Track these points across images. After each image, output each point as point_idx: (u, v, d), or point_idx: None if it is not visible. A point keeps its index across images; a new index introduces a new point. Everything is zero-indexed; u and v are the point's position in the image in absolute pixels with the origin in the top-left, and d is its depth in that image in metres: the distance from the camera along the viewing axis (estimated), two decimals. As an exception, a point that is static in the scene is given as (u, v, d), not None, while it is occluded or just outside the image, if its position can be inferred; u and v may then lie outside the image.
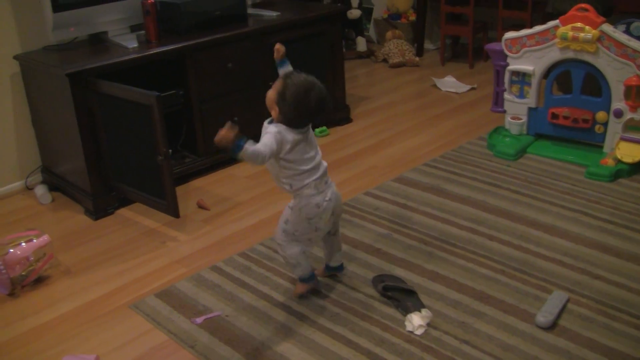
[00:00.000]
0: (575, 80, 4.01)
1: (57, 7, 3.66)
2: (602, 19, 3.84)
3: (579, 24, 3.85)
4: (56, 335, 2.79)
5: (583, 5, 3.89)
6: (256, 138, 2.54)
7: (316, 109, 2.61)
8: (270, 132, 2.59)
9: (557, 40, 3.96)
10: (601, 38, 3.80)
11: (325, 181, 2.73)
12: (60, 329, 2.82)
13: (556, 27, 3.95)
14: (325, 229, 2.80)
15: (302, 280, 2.86)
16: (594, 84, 3.99)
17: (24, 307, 2.99)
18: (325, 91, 2.65)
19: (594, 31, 3.80)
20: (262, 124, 2.68)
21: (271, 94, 2.64)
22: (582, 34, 3.83)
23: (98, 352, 2.63)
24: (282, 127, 2.60)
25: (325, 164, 2.74)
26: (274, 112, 2.63)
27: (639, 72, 3.73)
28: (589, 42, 3.83)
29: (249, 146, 2.44)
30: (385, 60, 6.58)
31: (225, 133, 2.37)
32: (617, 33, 3.79)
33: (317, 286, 2.92)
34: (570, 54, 3.96)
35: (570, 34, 3.87)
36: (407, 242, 3.28)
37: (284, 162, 2.64)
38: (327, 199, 2.71)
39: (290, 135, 2.60)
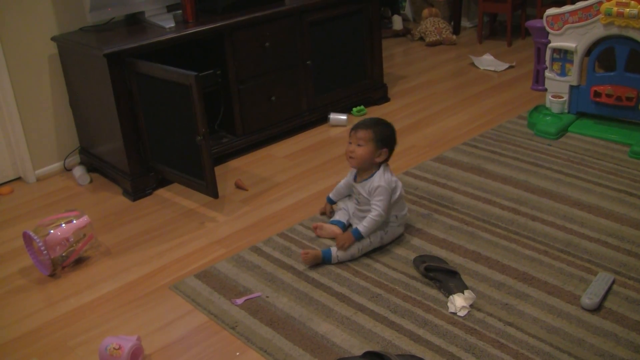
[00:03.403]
0: (620, 57, 3.93)
1: (94, -13, 3.66)
2: (648, -7, 3.75)
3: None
4: (97, 316, 2.80)
5: (628, -20, 3.80)
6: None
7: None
8: (382, 186, 2.99)
9: (600, 16, 3.87)
10: (647, 13, 3.72)
11: None
12: (101, 310, 2.83)
13: (600, 2, 3.86)
14: None
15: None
16: (638, 61, 3.90)
17: (65, 288, 3.00)
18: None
19: None
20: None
21: (365, 149, 3.01)
22: (627, 10, 3.74)
23: (139, 333, 2.63)
24: (388, 175, 3.03)
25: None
26: (380, 158, 3.03)
27: (686, 48, 3.65)
28: (634, 18, 3.74)
29: (365, 229, 2.97)
30: (421, 39, 6.51)
31: (346, 239, 2.97)
32: (663, 8, 3.70)
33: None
34: (614, 30, 3.87)
35: (615, 9, 3.78)
36: (449, 223, 3.24)
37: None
38: None
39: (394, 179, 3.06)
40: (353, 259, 2.99)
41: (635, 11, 3.72)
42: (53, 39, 3.88)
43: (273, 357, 2.45)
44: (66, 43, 3.82)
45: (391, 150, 3.07)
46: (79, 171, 4.02)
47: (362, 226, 2.97)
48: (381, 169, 3.04)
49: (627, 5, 3.75)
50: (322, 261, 2.98)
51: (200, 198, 3.66)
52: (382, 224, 3.03)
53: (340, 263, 2.98)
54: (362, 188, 3.06)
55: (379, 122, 3.09)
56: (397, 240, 3.12)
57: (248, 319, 2.66)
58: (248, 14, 3.98)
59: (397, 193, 3.03)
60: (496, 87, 5.10)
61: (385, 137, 3.02)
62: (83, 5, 3.73)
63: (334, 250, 2.98)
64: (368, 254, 3.02)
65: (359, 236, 2.97)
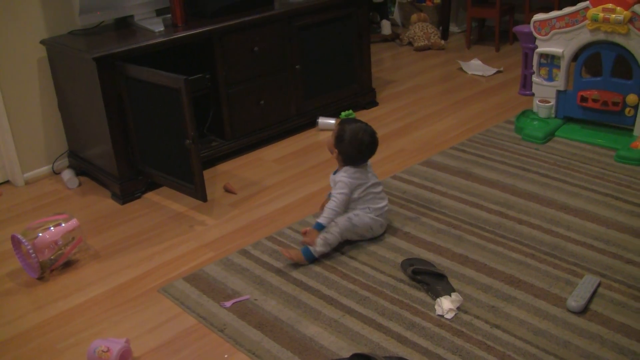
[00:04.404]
0: (606, 62, 3.96)
1: (83, -9, 3.67)
2: (634, -1, 3.79)
3: (610, 5, 3.79)
4: (86, 318, 2.80)
5: (614, -14, 3.83)
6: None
7: (370, 144, 3.11)
8: (343, 180, 3.10)
9: (587, 22, 3.90)
10: (633, 19, 3.75)
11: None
12: (90, 313, 2.84)
13: (586, 8, 3.89)
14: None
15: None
16: (624, 66, 3.93)
17: (54, 291, 3.01)
18: (374, 131, 3.15)
19: (625, 12, 3.74)
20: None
21: (329, 139, 3.16)
22: (613, 16, 3.78)
23: (128, 336, 2.63)
24: (349, 171, 3.12)
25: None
26: (334, 154, 3.14)
27: (671, 53, 3.68)
28: (620, 24, 3.77)
29: (323, 219, 3.04)
30: (410, 44, 6.54)
31: (309, 233, 3.06)
32: (649, 14, 3.74)
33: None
34: (600, 36, 3.90)
35: (601, 15, 3.82)
36: (436, 226, 3.26)
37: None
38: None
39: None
40: (334, 247, 3.07)
41: (620, 17, 3.75)
42: (42, 42, 3.88)
43: (261, 360, 2.47)
44: (55, 46, 3.82)
45: (343, 153, 3.11)
46: (67, 174, 4.02)
47: (321, 217, 3.05)
48: (347, 167, 3.13)
49: (613, 11, 3.78)
50: (308, 259, 3.01)
51: (189, 201, 3.67)
52: (346, 211, 3.14)
53: (327, 255, 3.04)
54: (332, 181, 3.18)
55: (349, 123, 3.15)
56: (385, 243, 3.14)
57: (236, 322, 2.67)
58: (237, 18, 3.99)
59: (362, 189, 3.11)
60: (484, 92, 5.13)
61: (338, 138, 3.10)
62: (72, 8, 3.74)
63: (310, 247, 3.03)
64: (355, 257, 3.04)
65: (320, 227, 3.04)
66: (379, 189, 3.18)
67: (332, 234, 3.04)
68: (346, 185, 3.09)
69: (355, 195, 3.12)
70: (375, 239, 3.17)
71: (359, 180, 3.11)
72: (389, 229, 3.24)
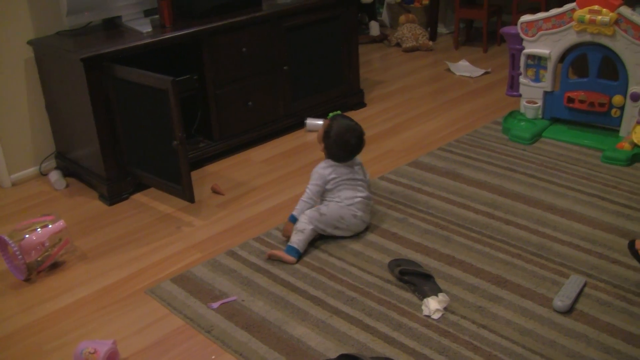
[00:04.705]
0: (592, 63, 3.98)
1: (71, -9, 3.66)
2: (619, 1, 3.81)
3: (596, 7, 3.82)
4: (73, 320, 2.80)
5: (600, -13, 3.85)
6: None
7: (356, 145, 3.18)
8: (315, 171, 3.22)
9: (573, 23, 3.92)
10: (619, 21, 3.77)
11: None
12: (77, 314, 2.83)
13: (573, 10, 3.91)
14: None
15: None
16: (611, 68, 3.96)
17: (41, 293, 3.00)
18: (363, 131, 3.22)
19: (611, 14, 3.76)
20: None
21: (319, 132, 3.25)
22: (599, 17, 3.80)
23: (115, 337, 2.63)
24: (328, 164, 3.22)
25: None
26: (321, 147, 3.23)
27: (657, 55, 3.70)
28: (606, 25, 3.79)
29: (295, 211, 3.18)
30: (398, 45, 6.55)
31: (285, 226, 3.20)
32: (635, 16, 3.75)
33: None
34: (587, 37, 3.93)
35: (588, 16, 3.84)
36: (424, 227, 3.26)
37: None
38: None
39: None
40: (311, 237, 3.13)
41: (606, 19, 3.77)
42: (29, 42, 3.86)
43: (248, 360, 2.47)
44: (43, 47, 3.81)
45: (328, 149, 3.21)
46: (55, 176, 4.00)
47: (295, 209, 3.19)
48: (328, 160, 3.24)
49: (599, 13, 3.80)
50: (291, 254, 3.05)
51: (176, 202, 3.67)
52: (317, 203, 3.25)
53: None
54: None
55: (339, 120, 3.24)
56: (372, 244, 3.15)
57: (224, 323, 2.67)
58: (225, 19, 3.99)
59: (336, 181, 3.18)
60: (472, 93, 5.14)
61: (326, 133, 3.20)
62: (60, 9, 3.72)
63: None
64: (342, 258, 3.04)
65: (293, 218, 3.17)
66: (358, 182, 3.22)
67: (302, 222, 3.12)
68: (320, 177, 3.19)
69: (329, 186, 3.20)
70: (361, 239, 3.17)
71: (334, 173, 3.18)
72: (376, 230, 3.25)
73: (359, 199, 3.19)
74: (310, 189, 3.19)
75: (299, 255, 3.06)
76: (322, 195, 3.23)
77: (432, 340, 2.50)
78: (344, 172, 3.19)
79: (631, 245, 2.81)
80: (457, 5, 6.19)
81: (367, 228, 3.26)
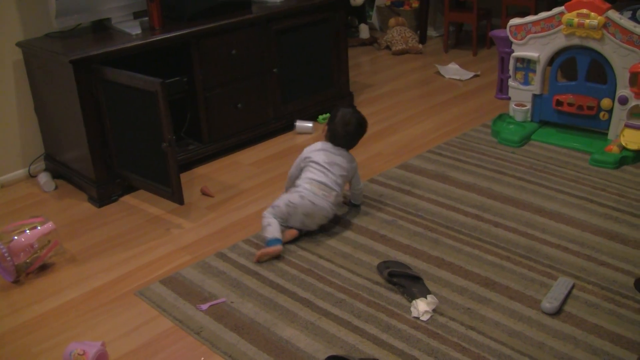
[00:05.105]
0: (581, 67, 4.00)
1: (60, -7, 3.65)
2: (607, 5, 3.82)
3: (584, 11, 3.83)
4: (62, 322, 2.79)
5: (588, -9, 3.87)
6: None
7: (357, 125, 3.35)
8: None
9: (562, 26, 3.94)
10: (607, 25, 3.79)
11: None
12: (66, 316, 2.82)
13: (561, 13, 3.93)
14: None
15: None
16: (599, 71, 3.97)
17: (29, 295, 2.99)
18: (366, 121, 3.40)
19: (599, 18, 3.78)
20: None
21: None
22: (587, 21, 3.82)
23: (104, 339, 2.63)
24: (319, 143, 3.36)
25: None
26: (323, 132, 3.39)
27: (645, 58, 3.72)
28: (594, 29, 3.81)
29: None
30: (388, 48, 6.56)
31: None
32: (623, 19, 3.77)
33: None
34: (575, 41, 3.94)
35: (576, 20, 3.86)
36: (413, 229, 3.27)
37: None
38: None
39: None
40: (281, 217, 3.22)
41: (595, 22, 3.79)
42: (18, 44, 3.86)
43: (238, 362, 2.47)
44: (31, 49, 3.81)
45: (330, 130, 3.35)
46: (44, 178, 3.99)
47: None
48: (322, 142, 3.38)
49: (587, 16, 3.82)
50: (279, 244, 3.10)
51: (166, 205, 3.66)
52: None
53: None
54: None
55: (346, 107, 3.43)
56: (361, 246, 3.16)
57: (213, 325, 2.67)
58: (215, 21, 3.99)
59: (305, 161, 3.32)
60: (461, 96, 5.16)
61: (330, 117, 3.38)
62: (49, 11, 3.72)
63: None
64: (331, 260, 3.05)
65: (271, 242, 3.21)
66: (326, 172, 3.25)
67: (265, 218, 3.20)
68: (298, 158, 3.38)
69: (303, 164, 3.34)
70: (350, 241, 3.18)
71: (314, 155, 3.30)
72: (365, 232, 3.26)
73: (314, 182, 3.23)
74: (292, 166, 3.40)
75: (281, 242, 3.13)
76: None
77: (420, 342, 2.51)
78: (323, 159, 3.27)
79: (637, 283, 2.81)
80: (447, 8, 6.21)
81: (356, 230, 3.26)
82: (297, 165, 3.37)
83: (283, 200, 3.21)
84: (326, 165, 3.25)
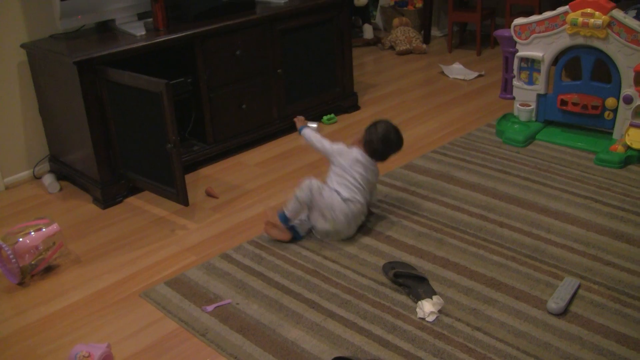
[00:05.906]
0: (585, 66, 3.99)
1: (64, -5, 3.65)
2: (612, 4, 3.82)
3: (589, 10, 3.83)
4: (67, 324, 2.79)
5: (593, -10, 3.86)
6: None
7: (395, 141, 3.32)
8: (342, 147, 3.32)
9: (566, 26, 3.93)
10: (611, 24, 3.78)
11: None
12: (71, 318, 2.82)
13: (566, 13, 3.92)
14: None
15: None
16: (604, 70, 3.97)
17: (34, 296, 2.99)
18: (402, 140, 3.37)
19: (604, 17, 3.77)
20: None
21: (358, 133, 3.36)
22: (592, 20, 3.81)
23: (109, 341, 2.63)
24: (358, 152, 3.28)
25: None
26: (358, 137, 3.32)
27: (650, 57, 3.71)
28: (599, 28, 3.81)
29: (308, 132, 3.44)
30: (392, 48, 6.56)
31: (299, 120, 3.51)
32: (627, 19, 3.77)
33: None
34: (580, 40, 3.94)
35: (580, 19, 3.85)
36: (418, 229, 3.27)
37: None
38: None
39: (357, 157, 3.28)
40: (301, 208, 3.22)
41: (599, 22, 3.78)
42: (22, 46, 3.86)
43: (243, 363, 2.47)
44: (36, 50, 3.81)
45: (369, 140, 3.27)
46: (48, 179, 4.00)
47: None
48: (360, 150, 3.30)
49: (591, 16, 3.81)
50: (283, 221, 3.20)
51: (170, 206, 3.66)
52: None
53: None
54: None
55: (384, 121, 3.35)
56: (366, 247, 3.16)
57: (218, 326, 2.66)
58: (219, 22, 3.99)
59: (343, 160, 3.26)
60: (465, 96, 5.15)
61: (372, 125, 3.31)
62: (53, 12, 3.72)
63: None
64: (337, 261, 3.05)
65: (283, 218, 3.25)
66: (358, 187, 3.20)
67: (301, 191, 3.17)
68: (335, 145, 3.32)
69: (337, 161, 3.27)
70: (355, 242, 3.18)
71: (350, 161, 3.24)
72: (370, 232, 3.26)
73: (358, 204, 3.18)
74: (321, 142, 3.38)
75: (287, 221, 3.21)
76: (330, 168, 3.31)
77: (426, 343, 2.50)
78: (361, 173, 3.22)
79: None
80: (451, 8, 6.21)
81: (362, 231, 3.26)
82: (330, 151, 3.32)
83: (328, 199, 3.15)
84: (362, 183, 3.21)
